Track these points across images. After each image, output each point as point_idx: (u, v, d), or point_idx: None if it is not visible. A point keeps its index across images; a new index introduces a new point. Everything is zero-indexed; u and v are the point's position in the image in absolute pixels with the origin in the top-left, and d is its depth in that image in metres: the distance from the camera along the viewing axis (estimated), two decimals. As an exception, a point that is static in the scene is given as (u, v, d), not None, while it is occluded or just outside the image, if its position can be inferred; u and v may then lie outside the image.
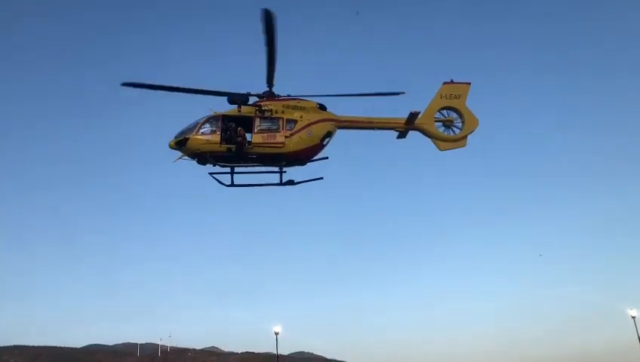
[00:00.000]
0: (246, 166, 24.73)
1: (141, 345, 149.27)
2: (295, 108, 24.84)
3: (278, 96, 24.91)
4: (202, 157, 24.10)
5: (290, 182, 24.86)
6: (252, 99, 24.87)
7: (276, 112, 24.52)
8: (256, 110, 24.46)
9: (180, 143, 24.06)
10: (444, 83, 26.71)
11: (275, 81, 24.15)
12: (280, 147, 24.12)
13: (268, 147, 24.08)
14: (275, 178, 24.84)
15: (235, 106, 24.44)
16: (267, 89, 24.60)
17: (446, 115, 26.71)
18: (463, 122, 26.55)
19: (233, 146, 23.76)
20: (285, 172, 24.89)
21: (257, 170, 25.05)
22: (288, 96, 25.03)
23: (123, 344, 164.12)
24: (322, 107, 25.59)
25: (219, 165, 24.37)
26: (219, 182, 24.49)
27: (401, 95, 25.89)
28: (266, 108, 24.49)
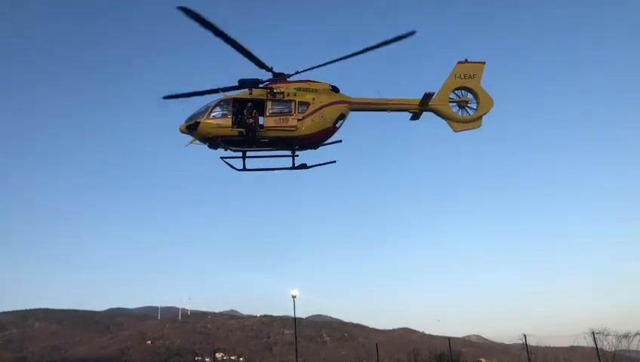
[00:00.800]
0: (258, 150, 24.47)
1: (162, 308, 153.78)
2: (307, 90, 24.43)
3: (289, 75, 24.40)
4: (214, 141, 23.89)
5: (303, 166, 24.61)
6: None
7: (288, 95, 24.15)
8: (267, 93, 24.11)
9: (191, 127, 23.85)
10: (459, 62, 26.02)
11: (273, 63, 23.50)
12: (292, 130, 23.82)
13: (280, 130, 23.79)
14: (288, 162, 24.68)
15: (247, 90, 24.07)
16: (271, 73, 24.01)
17: (460, 96, 26.14)
18: (478, 102, 25.95)
19: (244, 130, 23.49)
20: (298, 155, 24.69)
21: (269, 154, 24.82)
22: (297, 73, 24.37)
23: (144, 307, 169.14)
24: (335, 89, 25.12)
25: (230, 149, 24.15)
26: (231, 167, 24.31)
27: (411, 35, 22.61)
28: (278, 90, 24.12)
